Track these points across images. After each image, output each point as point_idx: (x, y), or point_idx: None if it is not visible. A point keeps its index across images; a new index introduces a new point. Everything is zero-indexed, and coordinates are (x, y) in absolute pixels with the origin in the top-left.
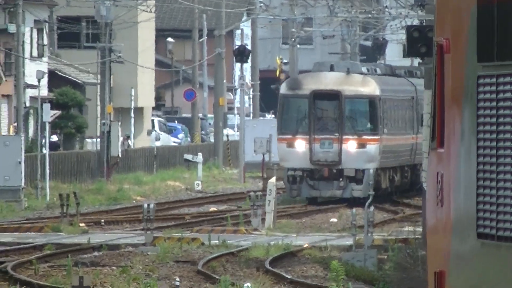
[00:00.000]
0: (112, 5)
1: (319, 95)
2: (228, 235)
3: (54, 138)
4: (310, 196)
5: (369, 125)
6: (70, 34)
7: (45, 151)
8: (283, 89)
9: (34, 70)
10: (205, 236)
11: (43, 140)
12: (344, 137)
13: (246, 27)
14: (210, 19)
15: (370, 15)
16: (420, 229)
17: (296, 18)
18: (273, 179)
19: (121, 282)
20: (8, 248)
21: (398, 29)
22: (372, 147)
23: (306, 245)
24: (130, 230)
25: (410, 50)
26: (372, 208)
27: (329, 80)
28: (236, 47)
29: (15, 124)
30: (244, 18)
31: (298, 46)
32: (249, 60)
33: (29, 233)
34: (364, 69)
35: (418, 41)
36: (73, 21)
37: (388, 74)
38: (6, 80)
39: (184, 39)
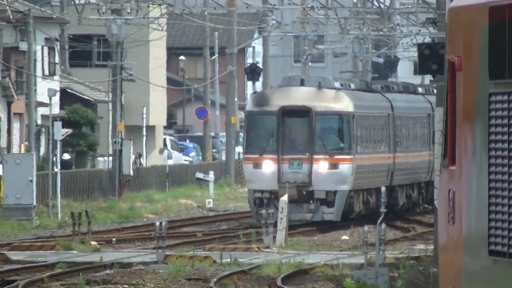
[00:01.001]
0: (124, 24)
1: (288, 112)
2: (240, 253)
3: (67, 156)
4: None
5: (341, 143)
6: (81, 52)
7: (57, 169)
8: (249, 105)
9: (45, 88)
10: (217, 254)
11: (55, 158)
12: (315, 156)
13: (257, 44)
14: (221, 37)
15: (381, 33)
16: (431, 246)
17: (308, 36)
18: (285, 197)
19: None
20: (19, 266)
21: (410, 47)
22: (345, 168)
23: (322, 263)
24: (142, 248)
25: (421, 67)
26: (383, 225)
27: (299, 96)
28: (248, 65)
29: (27, 142)
30: (256, 35)
31: (309, 64)
32: (261, 78)
33: (40, 251)
34: (336, 84)
35: (429, 59)
36: (85, 40)
37: (363, 89)
38: (17, 99)
39: (195, 57)
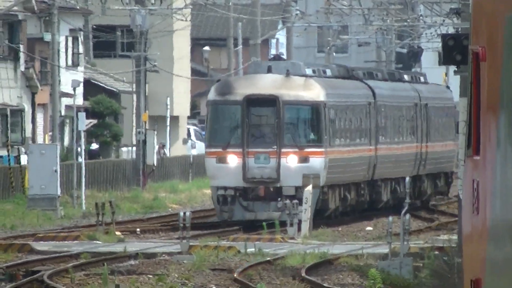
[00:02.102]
0: (148, 14)
1: (253, 101)
2: (264, 244)
3: (95, 146)
4: (244, 219)
5: (312, 135)
6: (105, 42)
7: (81, 159)
8: (211, 94)
9: (69, 79)
10: (241, 245)
11: (79, 149)
12: (283, 150)
13: (281, 35)
14: (245, 27)
15: (405, 23)
16: (456, 237)
17: (332, 26)
18: (309, 187)
19: None
20: (44, 257)
21: (434, 37)
22: (316, 161)
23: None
24: (166, 239)
25: (445, 58)
26: (408, 216)
27: (265, 84)
28: (272, 56)
29: (51, 133)
30: (280, 26)
31: (333, 54)
32: None
33: (65, 241)
34: (308, 71)
35: (453, 49)
36: (109, 30)
37: (342, 76)
38: (41, 89)
39: (219, 48)
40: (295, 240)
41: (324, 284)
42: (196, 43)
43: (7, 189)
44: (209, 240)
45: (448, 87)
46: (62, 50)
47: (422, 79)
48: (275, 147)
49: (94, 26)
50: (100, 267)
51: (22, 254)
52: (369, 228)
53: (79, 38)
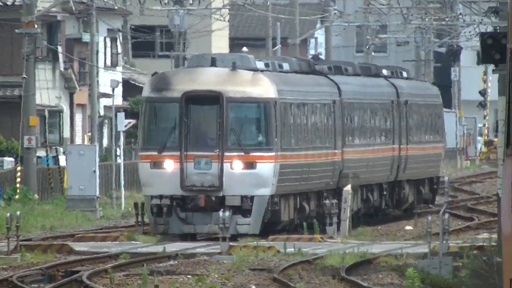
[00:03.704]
0: (186, 14)
1: (193, 98)
2: (303, 243)
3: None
4: (182, 233)
5: (260, 137)
6: (144, 43)
7: (120, 160)
8: (146, 90)
9: (108, 79)
10: (280, 244)
11: (118, 149)
12: (227, 154)
13: (320, 35)
14: (284, 27)
15: (444, 22)
16: (495, 236)
17: (370, 25)
18: (348, 187)
19: None
20: (83, 257)
21: (472, 36)
22: (265, 167)
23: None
24: (206, 239)
25: (484, 57)
26: (447, 215)
27: (207, 78)
28: (310, 55)
29: (90, 133)
30: (318, 25)
31: (372, 53)
32: None
33: (104, 242)
34: (259, 64)
35: (492, 48)
36: (147, 30)
37: (302, 71)
38: (80, 90)
39: (258, 48)
40: (335, 240)
41: (364, 284)
42: (235, 43)
43: (46, 190)
44: (248, 241)
45: (434, 84)
46: (101, 50)
47: (404, 74)
48: (218, 150)
49: (133, 27)
50: (139, 267)
51: (61, 255)
52: (408, 227)
53: (118, 39)
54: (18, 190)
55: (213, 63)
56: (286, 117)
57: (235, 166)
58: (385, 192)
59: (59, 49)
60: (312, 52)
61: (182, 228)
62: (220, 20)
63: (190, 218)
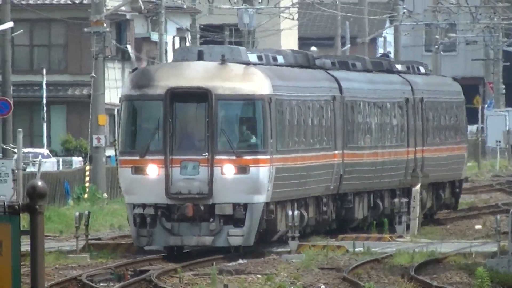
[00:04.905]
0: (255, 13)
1: (179, 96)
2: (372, 242)
3: None
4: (167, 245)
5: (254, 138)
6: (213, 42)
7: None
8: (126, 87)
9: None
10: (349, 244)
11: None
12: (217, 157)
13: (389, 34)
14: (352, 26)
15: None
16: None
17: (439, 24)
18: (418, 187)
19: None
20: (152, 256)
21: None
22: (259, 171)
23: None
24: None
25: None
26: None
27: (194, 73)
28: (379, 54)
29: None
30: (387, 24)
31: (441, 52)
32: None
33: None
34: (251, 57)
35: None
36: (216, 29)
37: (300, 65)
38: None
39: (327, 47)
40: (404, 239)
41: (433, 283)
42: (304, 43)
43: (115, 188)
44: (317, 240)
45: (455, 79)
46: (170, 49)
47: (422, 69)
48: (207, 153)
49: (202, 26)
50: (208, 267)
51: (130, 254)
52: (478, 226)
53: (187, 38)
54: (87, 189)
55: (200, 56)
56: (283, 115)
57: (226, 170)
58: (396, 199)
59: (128, 48)
60: (381, 51)
61: (168, 240)
62: (289, 19)
63: (177, 229)
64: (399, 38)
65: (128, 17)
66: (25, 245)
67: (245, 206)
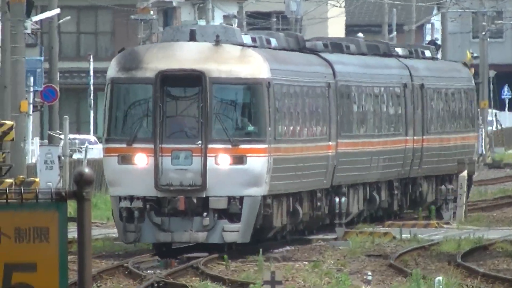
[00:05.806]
0: (302, 0)
1: (170, 79)
2: (419, 229)
3: None
4: (157, 242)
5: (251, 126)
6: (260, 29)
7: None
8: (112, 69)
9: None
10: (396, 231)
11: None
12: (211, 146)
13: (436, 21)
14: (400, 13)
15: None
16: None
17: (487, 12)
18: (464, 173)
19: (313, 277)
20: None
21: None
22: (256, 162)
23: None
24: (321, 225)
25: None
26: None
27: (187, 55)
28: (426, 42)
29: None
30: (434, 11)
31: (488, 39)
32: (439, 55)
33: None
34: (246, 39)
35: None
36: (263, 16)
37: (291, 48)
38: None
39: (374, 34)
40: (450, 226)
41: (480, 270)
42: (351, 30)
43: None
44: (364, 226)
45: (465, 64)
46: None
47: (427, 53)
48: (200, 142)
49: (249, 13)
50: (255, 254)
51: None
52: None
53: (233, 25)
54: None
55: (193, 36)
56: (280, 102)
57: (220, 160)
58: (395, 191)
59: None
60: (428, 38)
61: (157, 236)
62: (336, 6)
63: (167, 224)
64: (446, 25)
65: (175, 4)
66: (72, 232)
67: (241, 199)
